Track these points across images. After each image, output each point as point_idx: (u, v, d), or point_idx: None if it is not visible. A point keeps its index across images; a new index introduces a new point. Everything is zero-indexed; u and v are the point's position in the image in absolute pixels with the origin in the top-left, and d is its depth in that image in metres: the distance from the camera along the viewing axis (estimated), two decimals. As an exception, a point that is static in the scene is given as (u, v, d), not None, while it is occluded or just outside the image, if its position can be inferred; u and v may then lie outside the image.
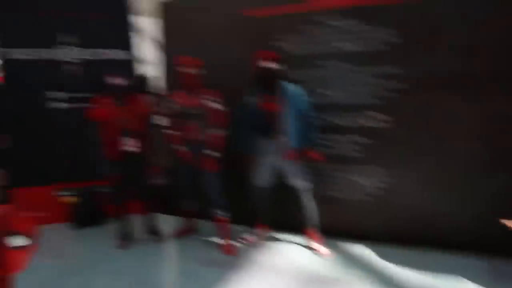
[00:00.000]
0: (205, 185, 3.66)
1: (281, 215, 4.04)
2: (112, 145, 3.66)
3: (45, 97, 4.36)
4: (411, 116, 3.56)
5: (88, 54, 4.43)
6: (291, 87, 3.49)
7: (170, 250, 3.77)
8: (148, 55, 5.55)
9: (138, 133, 3.72)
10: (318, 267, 3.33)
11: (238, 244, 3.78)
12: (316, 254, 3.58)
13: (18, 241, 1.68)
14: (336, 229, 3.89)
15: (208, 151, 3.63)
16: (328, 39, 3.75)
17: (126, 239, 3.92)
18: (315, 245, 3.65)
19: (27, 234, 1.72)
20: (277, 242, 3.87)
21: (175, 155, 3.78)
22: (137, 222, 4.11)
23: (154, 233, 3.99)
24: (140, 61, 4.78)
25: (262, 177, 3.69)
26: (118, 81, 3.64)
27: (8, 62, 4.25)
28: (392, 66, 3.55)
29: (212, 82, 3.72)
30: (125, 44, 4.54)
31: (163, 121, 3.88)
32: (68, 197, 4.46)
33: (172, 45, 4.44)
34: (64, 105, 4.42)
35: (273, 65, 3.42)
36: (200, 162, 3.64)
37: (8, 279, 1.80)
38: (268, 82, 3.47)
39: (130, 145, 3.69)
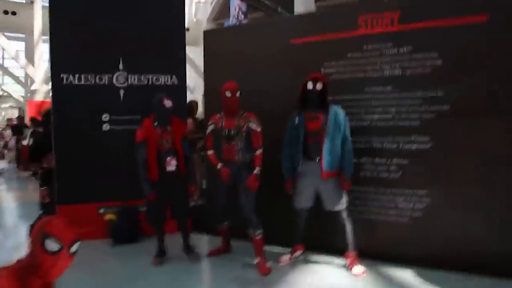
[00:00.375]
0: (241, 204, 3.69)
1: (318, 236, 3.98)
2: (153, 165, 3.78)
3: (95, 119, 4.60)
4: (452, 139, 3.47)
5: (140, 79, 4.68)
6: (336, 109, 3.53)
7: (205, 269, 3.79)
8: (191, 80, 5.78)
9: (178, 154, 3.83)
10: (353, 286, 3.24)
11: (273, 264, 3.75)
12: (352, 275, 3.48)
13: (53, 245, 1.76)
14: (373, 251, 3.77)
15: (246, 171, 3.67)
16: (370, 63, 3.77)
17: (161, 256, 3.97)
18: (351, 266, 3.56)
19: (64, 241, 1.80)
20: (313, 263, 3.81)
21: (214, 175, 3.86)
22: (173, 241, 4.16)
23: (190, 252, 4.02)
24: (187, 87, 4.97)
25: (302, 198, 3.68)
26: (165, 103, 3.77)
27: (59, 85, 4.52)
28: (434, 89, 3.51)
29: (258, 108, 3.81)
30: (177, 71, 4.76)
31: (203, 142, 4.00)
32: (108, 215, 4.61)
33: (213, 71, 4.58)
34: (112, 127, 4.65)
35: (319, 87, 3.47)
36: (238, 182, 3.69)
37: (49, 286, 1.88)
38: (313, 103, 3.52)
39: (170, 165, 3.80)
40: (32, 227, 4.60)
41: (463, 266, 3.44)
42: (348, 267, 3.58)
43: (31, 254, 1.79)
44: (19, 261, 1.81)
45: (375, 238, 3.81)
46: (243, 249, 4.14)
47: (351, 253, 3.61)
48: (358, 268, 3.52)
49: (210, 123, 3.84)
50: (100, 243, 4.51)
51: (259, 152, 3.62)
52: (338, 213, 3.57)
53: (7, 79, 24.20)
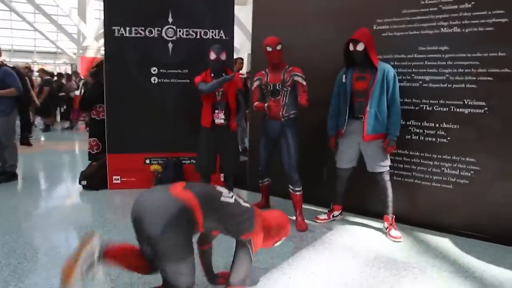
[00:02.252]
0: (283, 161, 3.72)
1: (357, 198, 3.98)
2: (206, 114, 3.89)
3: (144, 72, 4.72)
4: (509, 105, 3.28)
5: (189, 33, 4.71)
6: (385, 67, 3.39)
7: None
8: (237, 40, 5.77)
9: (228, 107, 3.90)
10: (390, 251, 3.23)
11: (311, 222, 3.80)
12: (390, 238, 3.47)
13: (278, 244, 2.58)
14: (413, 217, 3.74)
15: (290, 128, 3.68)
16: (426, 20, 3.57)
17: None
18: (389, 230, 3.54)
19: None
20: (350, 224, 3.82)
21: (259, 129, 3.90)
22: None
23: None
24: (234, 43, 4.96)
25: (344, 158, 3.65)
26: (216, 56, 3.82)
27: (111, 38, 4.64)
28: (495, 49, 3.29)
29: (307, 65, 3.78)
30: (225, 26, 4.76)
31: (249, 97, 4.01)
32: (153, 165, 4.80)
33: (261, 29, 4.51)
34: (160, 80, 4.75)
35: (360, 47, 3.35)
36: (281, 139, 3.71)
37: None
38: (360, 62, 3.42)
39: (218, 117, 3.89)
40: (82, 174, 4.91)
41: (505, 238, 3.35)
42: (386, 231, 3.56)
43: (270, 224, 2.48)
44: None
45: (416, 203, 3.75)
46: (282, 206, 4.21)
47: (389, 216, 3.58)
48: (396, 233, 3.50)
49: (255, 78, 3.85)
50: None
51: (302, 105, 3.57)
52: (379, 175, 3.52)
53: (61, 36, 25.05)
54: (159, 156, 4.84)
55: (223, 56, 3.85)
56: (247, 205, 2.30)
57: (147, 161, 4.87)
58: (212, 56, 3.82)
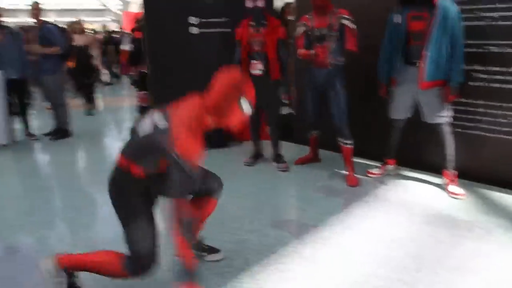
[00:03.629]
0: (332, 112, 3.51)
1: (413, 151, 3.73)
2: (243, 65, 3.73)
3: (184, 23, 4.54)
4: None
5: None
6: (446, 5, 2.99)
7: (292, 177, 3.79)
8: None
9: (268, 57, 3.68)
10: (450, 209, 3.00)
11: (362, 177, 3.62)
12: (449, 195, 3.23)
13: (246, 106, 1.92)
14: (475, 172, 3.45)
15: (339, 77, 3.44)
16: None
17: (255, 158, 4.11)
18: (449, 185, 3.28)
19: (251, 102, 1.96)
20: (406, 179, 3.60)
21: (305, 79, 3.69)
22: (264, 147, 4.20)
23: (279, 160, 4.02)
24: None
25: (398, 108, 3.37)
26: (253, 3, 3.59)
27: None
28: None
29: (354, 5, 3.49)
30: None
31: (293, 45, 3.78)
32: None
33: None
34: (201, 30, 4.57)
35: None
36: (329, 88, 3.48)
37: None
38: None
39: (254, 68, 3.70)
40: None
41: None
42: (445, 187, 3.32)
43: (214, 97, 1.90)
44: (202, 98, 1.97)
45: (479, 157, 3.44)
46: (332, 159, 4.08)
47: (450, 172, 3.31)
48: (456, 189, 3.24)
49: (299, 24, 3.58)
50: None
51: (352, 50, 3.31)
52: (438, 127, 3.23)
53: (106, -8, 25.20)
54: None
55: (260, 3, 3.58)
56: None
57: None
58: (248, 3, 3.59)
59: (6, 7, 5.69)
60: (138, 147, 1.94)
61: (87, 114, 6.96)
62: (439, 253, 2.42)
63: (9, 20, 4.99)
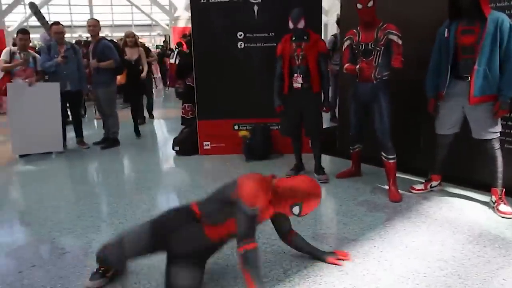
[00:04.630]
0: (375, 127, 3.48)
1: (460, 167, 3.61)
2: (285, 79, 3.81)
3: (230, 37, 4.69)
4: None
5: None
6: (498, 17, 2.91)
7: (334, 190, 3.77)
8: (327, 1, 5.47)
9: (309, 71, 3.72)
10: (498, 228, 2.87)
11: (406, 193, 3.54)
12: (498, 214, 3.09)
13: (296, 211, 2.17)
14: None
15: (383, 91, 3.42)
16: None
17: (296, 170, 4.13)
18: (498, 204, 3.14)
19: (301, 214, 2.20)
20: (451, 196, 3.48)
21: (349, 93, 3.71)
22: (305, 161, 4.20)
23: (320, 172, 4.01)
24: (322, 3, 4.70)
25: (445, 123, 3.29)
26: (293, 26, 3.66)
27: (197, 4, 4.65)
28: None
29: (402, 19, 3.49)
30: None
31: (339, 59, 3.81)
32: (241, 131, 4.84)
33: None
34: (247, 45, 4.70)
35: None
36: (373, 103, 3.47)
37: None
38: (467, 11, 2.99)
39: (296, 81, 3.77)
40: (175, 140, 5.14)
41: None
42: (493, 205, 3.18)
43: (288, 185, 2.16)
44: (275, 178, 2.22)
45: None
46: (374, 174, 4.03)
47: (499, 189, 3.17)
48: (506, 208, 3.09)
49: (346, 38, 3.61)
50: (234, 158, 4.81)
51: (397, 66, 3.27)
52: (487, 143, 3.11)
53: (154, 8, 26.22)
54: (247, 122, 4.85)
55: (300, 25, 3.64)
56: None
57: (236, 127, 4.91)
58: (290, 25, 3.68)
59: (64, 23, 5.99)
60: (210, 202, 2.21)
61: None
62: (486, 273, 2.32)
63: (66, 36, 5.33)
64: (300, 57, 3.72)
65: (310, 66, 3.71)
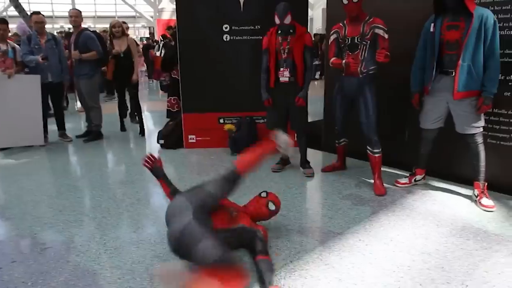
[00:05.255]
0: (360, 121, 3.49)
1: (443, 161, 3.66)
2: (271, 72, 3.78)
3: (216, 30, 4.64)
4: None
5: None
6: (483, 13, 2.93)
7: (319, 184, 3.78)
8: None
9: (295, 65, 3.70)
10: (480, 221, 2.92)
11: (390, 187, 3.57)
12: (479, 207, 3.14)
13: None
14: (508, 184, 3.35)
15: (369, 86, 3.42)
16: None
17: (281, 164, 4.13)
18: (480, 198, 3.19)
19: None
20: (435, 190, 3.52)
21: (334, 87, 3.70)
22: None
23: (305, 166, 4.02)
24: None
25: (429, 117, 3.32)
26: (280, 21, 3.62)
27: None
28: None
29: (388, 13, 3.49)
30: None
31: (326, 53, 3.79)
32: (227, 125, 4.80)
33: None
34: (232, 38, 4.66)
35: None
36: (358, 97, 3.47)
37: None
38: (452, 7, 3.01)
39: (282, 75, 3.74)
40: (160, 133, 5.08)
41: None
42: (475, 199, 3.23)
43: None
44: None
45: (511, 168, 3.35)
46: (359, 168, 4.05)
47: (481, 183, 3.23)
48: (488, 201, 3.14)
49: (332, 31, 3.59)
50: (219, 151, 4.78)
51: (383, 60, 3.22)
52: (470, 137, 3.16)
53: (139, 0, 25.88)
54: (232, 115, 4.82)
55: (287, 20, 3.60)
56: None
57: (221, 121, 4.88)
58: (277, 20, 3.63)
59: (45, 13, 5.81)
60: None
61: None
62: (468, 266, 2.36)
63: (47, 27, 5.20)
64: (286, 51, 3.69)
65: (295, 59, 3.69)
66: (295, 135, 4.15)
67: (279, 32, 3.71)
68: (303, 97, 3.78)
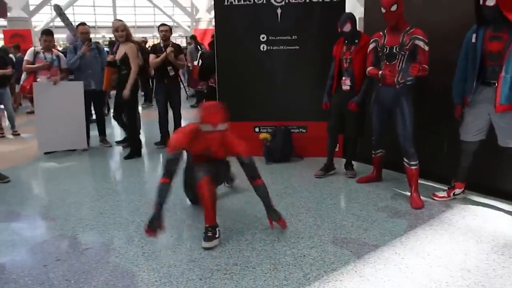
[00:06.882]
0: (397, 132, 3.45)
1: (485, 175, 3.54)
2: (335, 79, 3.95)
3: (253, 40, 4.70)
4: None
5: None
6: None
7: (355, 195, 3.73)
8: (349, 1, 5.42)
9: (354, 74, 3.81)
10: (526, 239, 2.82)
11: (428, 200, 3.49)
12: (524, 224, 3.03)
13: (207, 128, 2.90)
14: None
15: (406, 96, 3.38)
16: None
17: (325, 171, 4.21)
18: (524, 214, 3.08)
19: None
20: (475, 204, 3.41)
21: (372, 97, 3.69)
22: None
23: (348, 166, 4.22)
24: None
25: (470, 129, 3.24)
26: (340, 29, 3.77)
27: (221, 6, 4.69)
28: None
29: (429, 24, 3.48)
30: None
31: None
32: (262, 134, 4.84)
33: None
34: (269, 48, 4.70)
35: (490, 2, 2.88)
36: (395, 108, 3.43)
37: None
38: (492, 17, 2.95)
39: (344, 84, 3.87)
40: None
41: None
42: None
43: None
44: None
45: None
46: (396, 179, 4.00)
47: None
48: (532, 217, 3.04)
49: (371, 40, 3.58)
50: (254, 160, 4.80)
51: (421, 73, 3.19)
52: (514, 152, 3.06)
53: (176, 10, 26.56)
54: (268, 124, 4.86)
55: (346, 28, 3.73)
56: None
57: (257, 129, 4.92)
58: (339, 29, 3.78)
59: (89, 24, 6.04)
60: None
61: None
62: (511, 285, 2.27)
63: (92, 36, 5.46)
64: (348, 60, 3.80)
65: (354, 69, 3.79)
66: (342, 141, 4.32)
67: (346, 41, 3.84)
68: (356, 101, 3.81)
